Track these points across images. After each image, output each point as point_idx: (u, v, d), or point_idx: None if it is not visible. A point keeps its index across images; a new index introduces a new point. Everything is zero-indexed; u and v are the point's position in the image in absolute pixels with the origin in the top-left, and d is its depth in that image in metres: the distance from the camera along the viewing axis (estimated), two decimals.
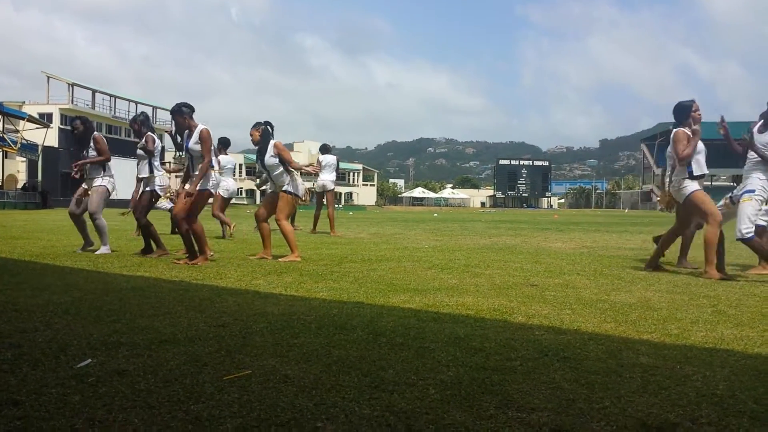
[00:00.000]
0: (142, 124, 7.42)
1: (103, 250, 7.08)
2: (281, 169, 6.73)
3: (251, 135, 6.93)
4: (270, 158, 6.71)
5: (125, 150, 40.58)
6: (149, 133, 7.28)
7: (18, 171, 43.46)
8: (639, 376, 2.44)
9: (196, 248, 6.25)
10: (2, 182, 35.83)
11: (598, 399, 2.15)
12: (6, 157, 37.61)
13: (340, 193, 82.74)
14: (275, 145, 6.73)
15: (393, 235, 12.08)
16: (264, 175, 7.46)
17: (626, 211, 64.57)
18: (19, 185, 38.47)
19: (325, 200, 11.86)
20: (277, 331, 3.13)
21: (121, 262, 6.32)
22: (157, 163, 7.26)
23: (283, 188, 6.75)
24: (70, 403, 2.03)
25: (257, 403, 2.06)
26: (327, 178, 11.76)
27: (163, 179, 7.29)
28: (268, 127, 6.87)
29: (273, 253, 6.82)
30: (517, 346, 2.90)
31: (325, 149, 12.30)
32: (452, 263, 6.65)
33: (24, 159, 39.94)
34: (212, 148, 6.32)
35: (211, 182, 6.27)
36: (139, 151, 7.28)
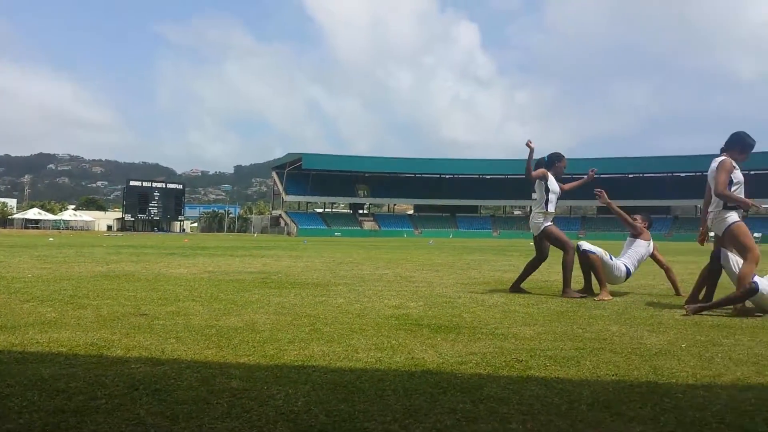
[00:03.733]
0: None
1: None
2: None
3: None
4: None
5: None
6: None
7: None
8: (226, 401, 2.49)
9: None
10: None
11: (179, 430, 2.12)
12: None
13: None
14: None
15: None
16: None
17: (255, 235, 67.23)
18: None
19: None
20: None
21: None
22: None
23: None
24: None
25: None
26: None
27: None
28: None
29: None
30: (108, 382, 2.72)
31: None
32: (56, 294, 6.02)
33: None
34: None
35: None
36: None
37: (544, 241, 7.08)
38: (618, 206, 7.00)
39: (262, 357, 3.33)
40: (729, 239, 5.58)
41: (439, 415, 2.35)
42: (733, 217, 5.54)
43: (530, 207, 7.08)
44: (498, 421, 2.29)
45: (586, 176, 7.54)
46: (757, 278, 5.28)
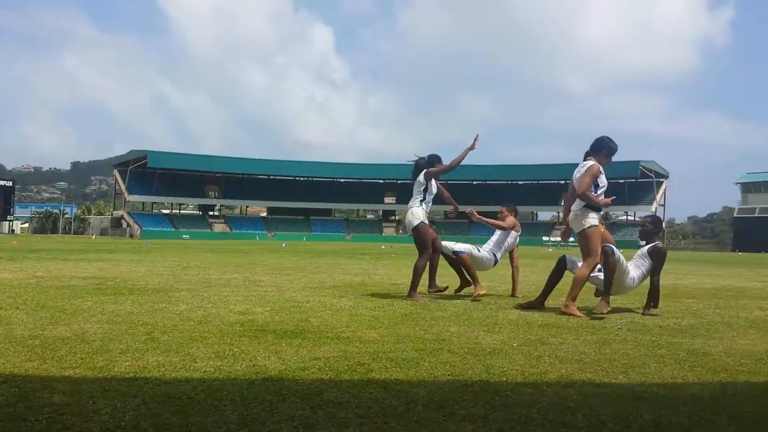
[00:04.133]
0: None
1: None
2: None
3: None
4: None
5: None
6: None
7: None
8: (46, 417, 2.29)
9: None
10: None
11: None
12: None
13: None
14: None
15: None
16: None
17: (93, 237, 63.02)
18: None
19: None
20: None
21: None
22: None
23: None
24: None
25: None
26: None
27: None
28: None
29: None
30: None
31: None
32: None
33: None
34: None
35: None
36: None
37: (418, 237, 7.00)
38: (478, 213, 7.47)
39: (90, 369, 3.11)
40: (581, 239, 5.89)
41: (277, 423, 2.31)
42: (592, 220, 5.81)
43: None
44: (335, 426, 2.29)
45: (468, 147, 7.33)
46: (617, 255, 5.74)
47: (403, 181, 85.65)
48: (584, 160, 6.02)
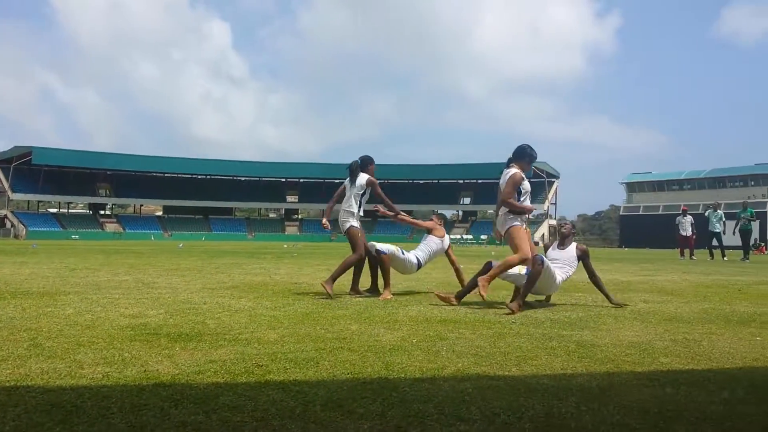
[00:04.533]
0: None
1: None
2: None
3: None
4: None
5: None
6: None
7: None
8: None
9: None
10: None
11: None
12: None
13: None
14: None
15: None
16: None
17: None
18: None
19: None
20: None
21: None
22: None
23: None
24: None
25: None
26: None
27: None
28: None
29: None
30: None
31: None
32: None
33: None
34: None
35: None
36: None
37: (349, 238, 7.23)
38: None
39: None
40: (508, 239, 6.27)
41: (168, 429, 2.21)
42: (515, 221, 6.21)
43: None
44: (230, 430, 2.23)
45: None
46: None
47: (305, 180, 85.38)
48: (507, 168, 6.37)
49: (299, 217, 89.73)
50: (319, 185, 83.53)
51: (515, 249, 6.17)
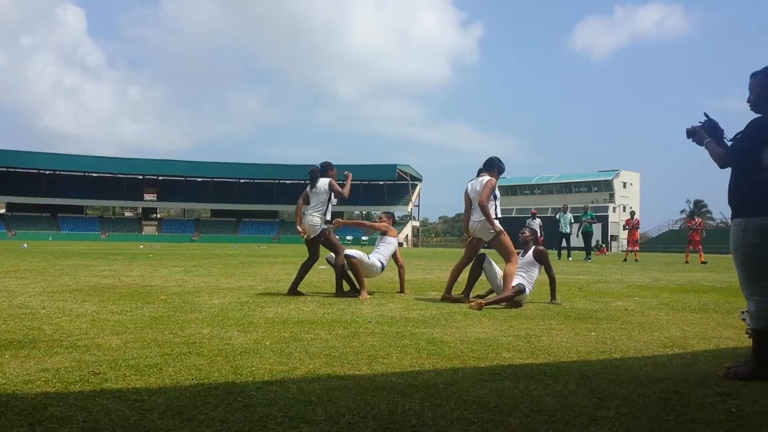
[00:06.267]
0: None
1: None
2: None
3: None
4: None
5: None
6: None
7: None
8: None
9: None
10: None
11: None
12: None
13: None
14: None
15: None
16: None
17: None
18: None
19: None
20: None
21: None
22: None
23: None
24: None
25: None
26: None
27: None
28: None
29: None
30: None
31: None
32: None
33: None
34: None
35: None
36: None
37: (317, 242, 7.37)
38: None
39: None
40: (496, 245, 6.72)
41: None
42: (499, 225, 6.72)
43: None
44: None
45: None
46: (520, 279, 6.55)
47: (165, 178, 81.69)
48: (478, 177, 6.94)
49: (158, 216, 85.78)
50: (181, 183, 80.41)
51: (505, 254, 6.67)
